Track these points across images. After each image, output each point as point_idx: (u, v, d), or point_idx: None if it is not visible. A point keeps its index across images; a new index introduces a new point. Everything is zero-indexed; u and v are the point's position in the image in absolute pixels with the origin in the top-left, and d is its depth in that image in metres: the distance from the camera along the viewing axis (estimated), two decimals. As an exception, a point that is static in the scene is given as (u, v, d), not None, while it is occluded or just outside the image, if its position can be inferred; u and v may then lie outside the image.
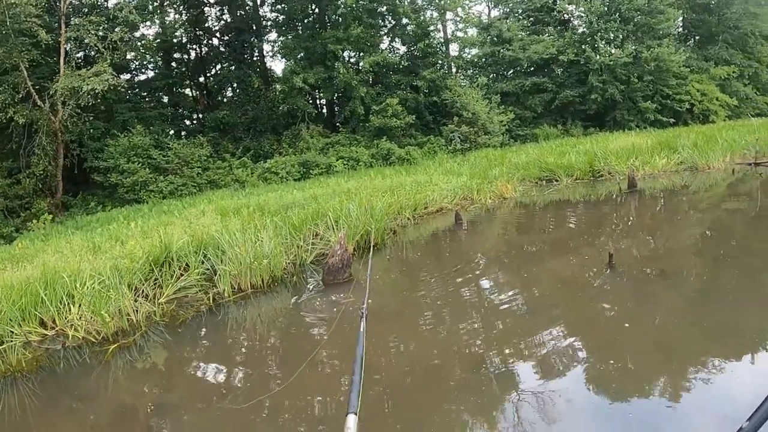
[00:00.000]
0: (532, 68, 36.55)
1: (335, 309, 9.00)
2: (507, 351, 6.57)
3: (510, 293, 9.05)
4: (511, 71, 37.34)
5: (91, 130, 23.92)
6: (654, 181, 18.88)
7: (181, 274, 9.42)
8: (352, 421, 1.59)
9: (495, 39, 36.29)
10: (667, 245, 11.41)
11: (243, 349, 7.53)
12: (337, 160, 26.04)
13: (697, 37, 40.87)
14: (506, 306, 8.37)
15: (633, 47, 33.97)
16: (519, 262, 11.19)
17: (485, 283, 10.11)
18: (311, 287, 10.21)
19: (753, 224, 12.40)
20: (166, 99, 31.48)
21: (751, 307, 7.22)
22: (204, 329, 8.18)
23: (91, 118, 22.96)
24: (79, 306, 7.84)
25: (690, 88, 34.83)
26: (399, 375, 6.17)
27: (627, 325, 7.05)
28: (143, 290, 8.76)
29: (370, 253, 11.02)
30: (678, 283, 8.72)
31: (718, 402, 4.97)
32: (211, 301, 8.97)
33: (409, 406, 5.40)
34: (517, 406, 5.15)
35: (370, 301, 2.75)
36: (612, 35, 35.51)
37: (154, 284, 9.07)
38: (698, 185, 17.94)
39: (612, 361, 5.94)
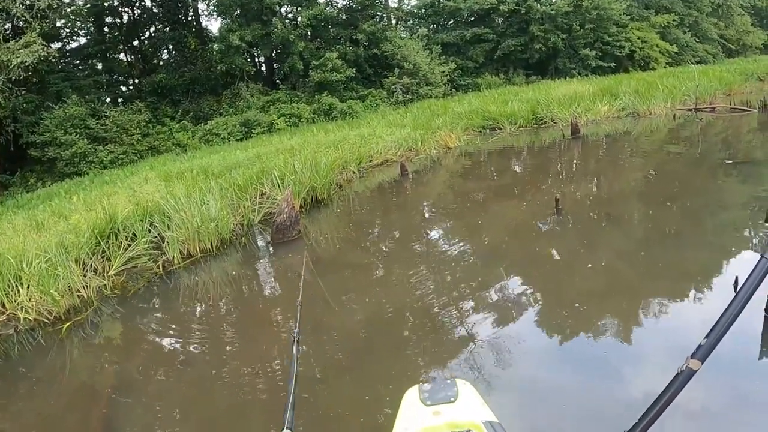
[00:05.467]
0: (473, 18, 36.29)
1: (285, 267, 9.11)
2: (460, 298, 6.75)
3: (459, 241, 9.26)
4: (452, 21, 37.11)
5: (25, 104, 22.89)
6: (597, 127, 19.27)
7: (129, 245, 9.26)
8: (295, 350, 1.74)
9: (435, -11, 36.06)
10: (612, 189, 11.74)
11: (197, 316, 7.55)
12: (279, 117, 25.67)
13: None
14: (457, 254, 8.56)
15: (574, -5, 33.99)
16: (466, 210, 11.39)
17: (434, 233, 10.30)
18: (261, 247, 10.28)
19: (694, 168, 12.80)
20: (100, 66, 30.22)
21: (693, 246, 7.57)
22: (156, 298, 8.17)
23: (23, 91, 22.18)
24: (28, 287, 7.64)
25: (631, 35, 35.13)
26: (354, 328, 6.30)
27: (578, 266, 7.30)
28: (91, 264, 8.60)
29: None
30: (623, 225, 9.04)
31: (670, 333, 5.22)
32: (161, 269, 8.91)
33: (368, 359, 5.53)
34: (475, 352, 5.30)
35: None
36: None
37: (102, 257, 8.91)
38: (640, 131, 18.40)
39: (563, 303, 6.17)
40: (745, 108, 19.96)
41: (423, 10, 37.74)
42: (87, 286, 8.07)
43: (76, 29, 29.37)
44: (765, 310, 5.00)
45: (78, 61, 29.61)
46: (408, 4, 38.90)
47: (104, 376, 6.02)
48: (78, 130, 22.34)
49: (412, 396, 2.37)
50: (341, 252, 9.44)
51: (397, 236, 10.31)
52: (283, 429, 1.79)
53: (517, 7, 34.22)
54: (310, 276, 8.50)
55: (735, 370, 4.38)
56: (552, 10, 33.57)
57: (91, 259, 8.72)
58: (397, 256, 9.04)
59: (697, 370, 1.35)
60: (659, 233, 8.33)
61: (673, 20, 37.31)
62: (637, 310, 5.80)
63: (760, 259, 1.40)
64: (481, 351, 5.25)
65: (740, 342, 4.70)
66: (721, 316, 1.38)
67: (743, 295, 1.37)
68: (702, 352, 1.36)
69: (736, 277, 5.55)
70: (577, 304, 5.99)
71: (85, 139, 22.26)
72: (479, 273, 7.58)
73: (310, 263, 8.80)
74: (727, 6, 43.11)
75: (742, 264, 6.56)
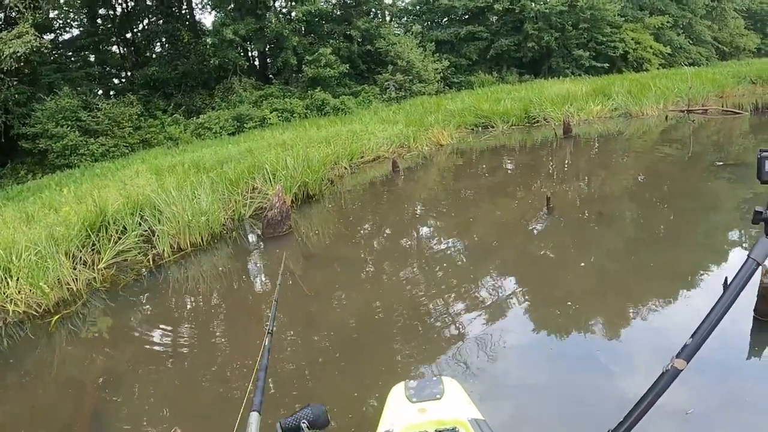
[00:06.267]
0: (467, 16, 36.32)
1: (275, 262, 9.11)
2: (450, 295, 6.77)
3: (450, 238, 9.29)
4: (446, 19, 37.11)
5: (16, 95, 22.69)
6: (589, 126, 19.39)
7: (119, 238, 9.24)
8: (254, 417, 1.82)
9: (430, -13, 36.06)
10: (603, 189, 11.79)
11: (186, 309, 7.56)
12: (271, 112, 25.65)
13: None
14: (447, 251, 8.60)
15: (569, -5, 34.09)
16: (457, 208, 11.43)
17: (425, 230, 10.33)
18: (251, 242, 10.28)
19: (685, 169, 12.89)
20: (92, 58, 30.19)
21: (683, 246, 7.62)
22: (146, 292, 8.14)
23: (15, 82, 22.02)
24: (17, 279, 7.59)
25: (624, 36, 35.21)
26: (343, 322, 6.32)
27: (568, 265, 7.35)
28: (81, 257, 8.57)
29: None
30: (614, 224, 9.08)
31: (659, 333, 5.25)
32: (151, 262, 8.89)
33: (356, 355, 5.54)
34: (463, 349, 5.30)
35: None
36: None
37: (92, 250, 8.87)
38: (632, 131, 18.52)
39: (552, 301, 6.20)
40: (737, 110, 20.14)
41: (417, 7, 37.74)
42: (76, 278, 8.04)
43: (69, 20, 29.27)
44: (754, 311, 5.05)
45: (70, 53, 29.53)
46: (403, 1, 38.96)
47: (93, 368, 6.02)
48: (69, 122, 22.23)
49: (397, 393, 2.38)
50: (331, 247, 9.45)
51: (387, 232, 10.34)
52: (251, 411, 1.86)
53: (511, 6, 34.30)
54: (301, 271, 8.54)
55: (724, 370, 4.44)
56: (546, 8, 33.65)
57: (80, 251, 8.69)
58: (388, 253, 9.07)
59: (682, 370, 1.35)
60: (650, 233, 8.38)
61: (667, 22, 37.41)
62: (627, 309, 5.84)
63: (747, 260, 1.41)
64: (469, 348, 5.26)
65: (729, 343, 4.75)
66: (707, 316, 1.37)
67: (729, 295, 1.37)
68: (687, 352, 1.36)
69: (726, 278, 5.58)
70: (569, 303, 6.02)
71: (77, 132, 22.16)
72: (469, 270, 7.61)
73: (289, 263, 8.80)
74: (721, 9, 43.31)
75: (732, 264, 6.61)
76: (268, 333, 2.47)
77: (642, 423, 1.40)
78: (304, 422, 1.74)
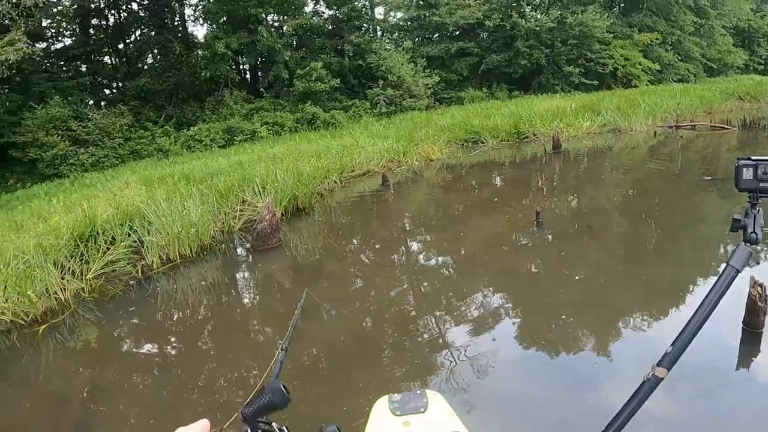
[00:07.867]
0: (458, 32, 36.45)
1: (265, 275, 9.12)
2: (438, 310, 6.79)
3: (439, 252, 9.32)
4: (437, 35, 37.27)
5: (7, 103, 22.72)
6: (578, 142, 19.48)
7: (108, 248, 9.22)
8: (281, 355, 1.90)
9: (421, 3, 36.09)
10: (592, 203, 11.86)
11: (175, 321, 7.52)
12: (262, 125, 25.69)
13: (621, 5, 41.55)
14: (436, 265, 8.63)
15: (558, 13, 34.40)
16: (447, 222, 11.46)
17: (414, 244, 10.35)
18: (240, 254, 10.27)
19: (673, 184, 12.99)
20: (84, 68, 30.12)
21: (670, 259, 7.67)
22: (135, 303, 8.09)
23: (6, 90, 21.97)
24: (5, 288, 7.58)
25: (614, 53, 35.53)
26: (330, 337, 6.31)
27: (557, 279, 7.39)
28: (70, 267, 8.52)
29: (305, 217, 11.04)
30: (604, 239, 9.14)
31: (647, 344, 5.28)
32: (140, 273, 8.86)
33: (342, 369, 5.55)
34: (449, 363, 5.32)
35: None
36: (538, 1, 36.34)
37: (81, 260, 8.82)
38: (621, 147, 18.65)
39: (540, 315, 6.25)
40: (725, 126, 20.40)
41: (409, 23, 37.85)
42: (65, 288, 8.01)
43: (61, 30, 29.27)
44: (743, 322, 5.12)
45: (62, 62, 29.44)
46: (394, 17, 39.16)
47: (79, 379, 5.99)
48: (60, 132, 22.21)
49: (381, 406, 2.39)
50: (321, 261, 9.45)
51: (377, 247, 10.35)
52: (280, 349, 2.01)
53: (502, 23, 34.47)
54: (290, 284, 8.55)
55: (713, 381, 4.48)
56: (536, 26, 33.91)
57: (69, 261, 8.63)
58: (377, 267, 9.08)
59: (663, 378, 1.33)
60: (638, 247, 8.45)
61: (656, 39, 37.80)
62: (618, 322, 5.87)
63: (726, 267, 1.41)
64: (456, 362, 5.26)
65: (719, 354, 4.81)
66: (687, 324, 1.36)
67: (709, 303, 1.36)
68: (668, 360, 1.34)
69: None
70: (562, 316, 6.05)
71: (67, 141, 22.14)
72: (458, 284, 7.63)
73: (278, 276, 8.80)
74: (709, 26, 43.77)
75: (717, 276, 6.68)
76: (282, 349, 2.48)
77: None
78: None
